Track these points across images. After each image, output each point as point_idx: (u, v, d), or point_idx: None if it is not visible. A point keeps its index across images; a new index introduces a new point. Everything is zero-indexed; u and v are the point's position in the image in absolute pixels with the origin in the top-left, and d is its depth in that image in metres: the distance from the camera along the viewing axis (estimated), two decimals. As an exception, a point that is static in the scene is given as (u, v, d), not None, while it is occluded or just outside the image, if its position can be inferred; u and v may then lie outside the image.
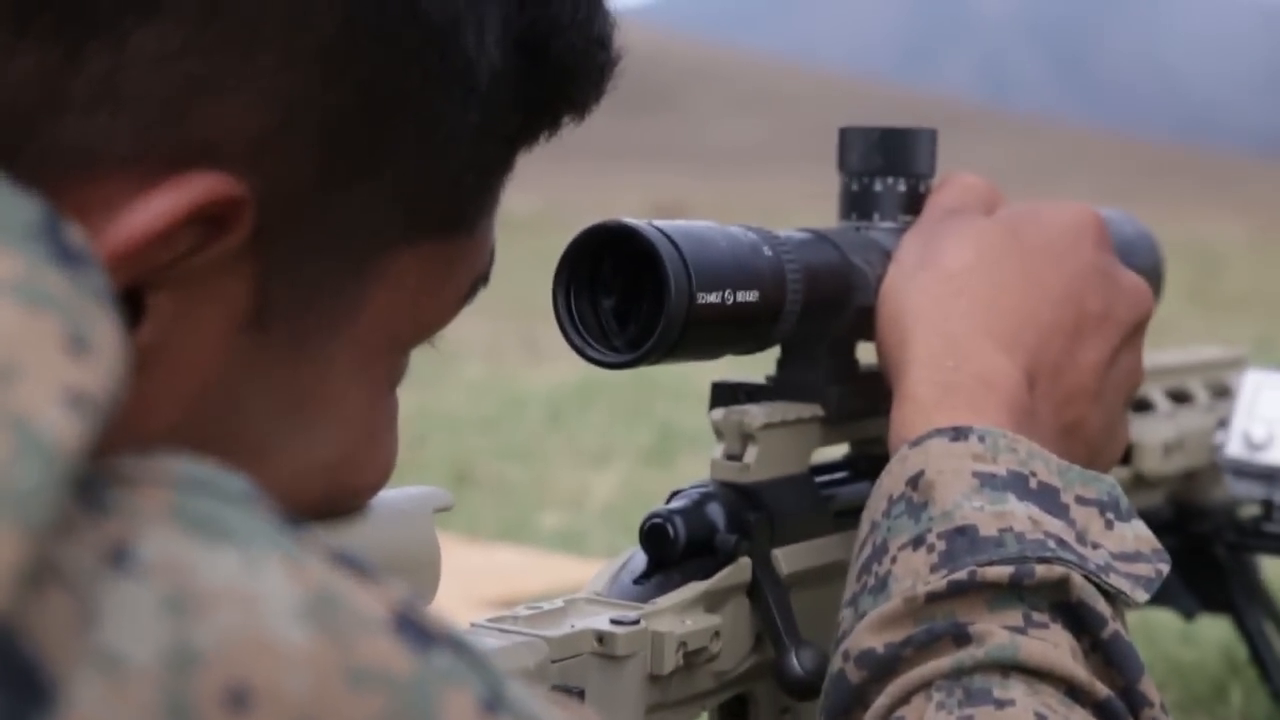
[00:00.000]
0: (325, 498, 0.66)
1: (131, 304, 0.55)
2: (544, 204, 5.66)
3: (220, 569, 0.44)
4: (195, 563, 0.44)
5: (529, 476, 2.58)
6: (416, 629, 0.47)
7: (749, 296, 0.85)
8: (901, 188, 0.98)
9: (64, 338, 0.44)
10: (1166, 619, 1.64)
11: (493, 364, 3.73)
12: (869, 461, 1.01)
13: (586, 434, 2.95)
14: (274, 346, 0.60)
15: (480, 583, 1.82)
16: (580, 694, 0.80)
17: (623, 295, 0.84)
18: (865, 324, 0.95)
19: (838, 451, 1.02)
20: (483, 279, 0.68)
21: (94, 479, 0.45)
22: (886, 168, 0.97)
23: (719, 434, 0.92)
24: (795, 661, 0.87)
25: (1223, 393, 1.35)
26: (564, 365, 3.68)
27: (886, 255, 0.95)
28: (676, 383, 3.43)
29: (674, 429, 2.92)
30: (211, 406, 0.59)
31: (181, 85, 0.54)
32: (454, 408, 3.08)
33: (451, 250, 0.64)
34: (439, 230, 0.63)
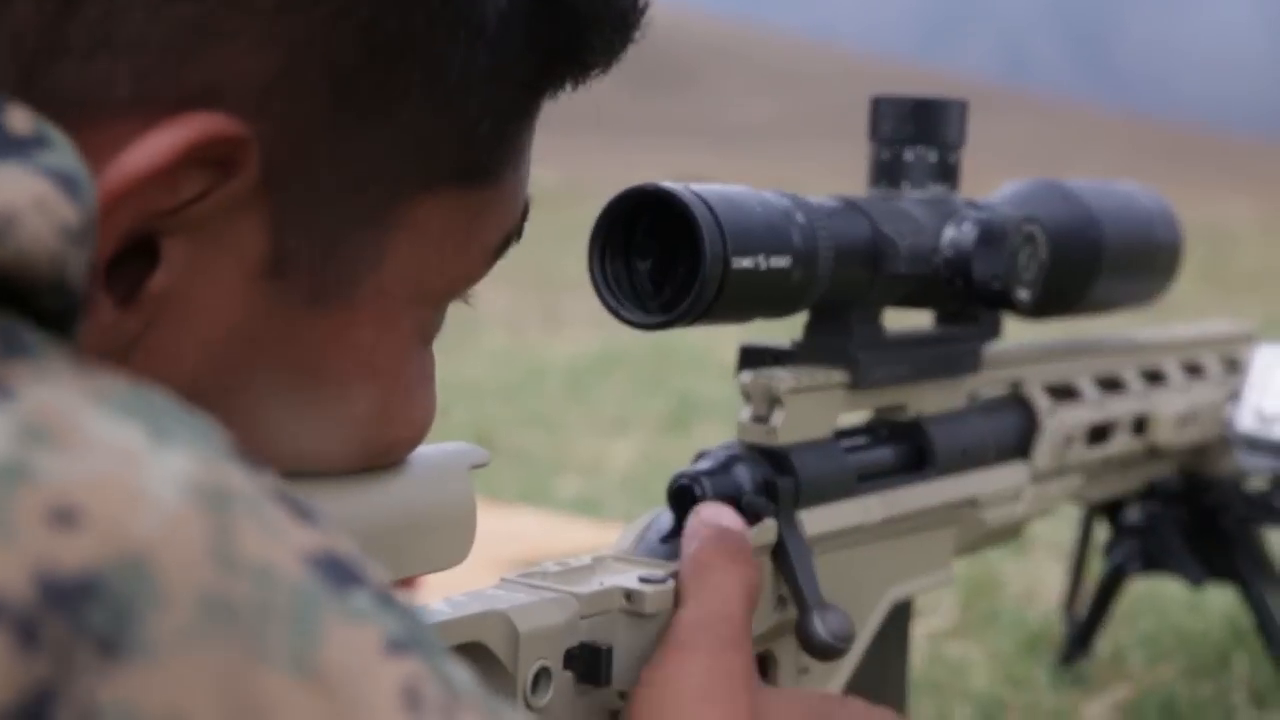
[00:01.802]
0: (361, 451, 0.66)
1: (147, 252, 0.56)
2: (564, 178, 5.66)
3: (114, 432, 0.44)
4: (86, 420, 0.44)
5: (549, 444, 2.60)
6: (340, 568, 0.46)
7: (782, 262, 0.87)
8: (932, 157, 1.00)
9: None
10: (1174, 590, 1.67)
11: (513, 334, 3.75)
12: (890, 428, 1.04)
13: (605, 403, 2.97)
14: (295, 296, 0.60)
15: (499, 545, 1.83)
16: (608, 650, 0.81)
17: (657, 258, 0.86)
18: (893, 291, 0.97)
19: (859, 418, 1.05)
20: (515, 234, 0.68)
21: (19, 331, 0.45)
22: (917, 137, 1.00)
23: (746, 396, 0.94)
24: (818, 623, 0.89)
25: (1234, 367, 1.37)
26: (584, 335, 3.70)
27: (916, 224, 0.98)
28: (694, 353, 3.44)
29: (692, 398, 2.94)
30: (234, 357, 0.59)
31: (178, 30, 0.55)
32: (476, 377, 3.10)
33: (476, 200, 0.64)
34: (459, 179, 0.63)
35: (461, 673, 0.48)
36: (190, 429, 0.46)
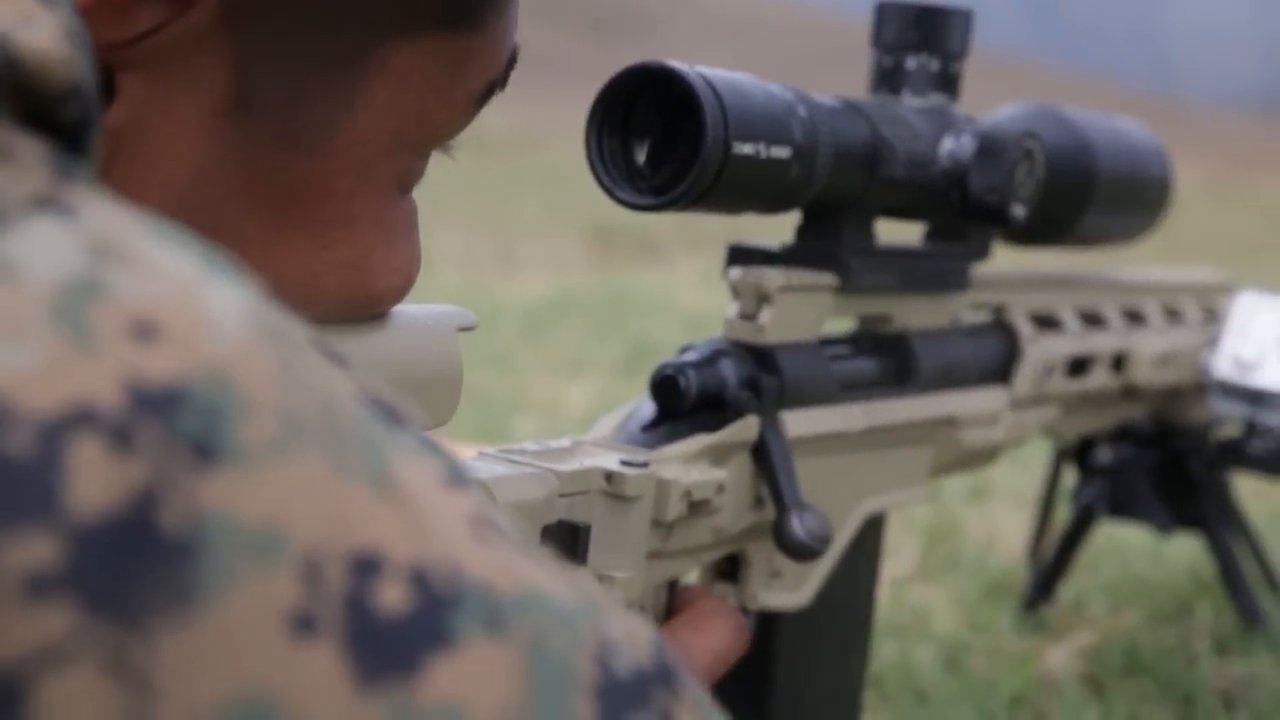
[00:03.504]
0: (343, 299, 0.65)
1: (104, 87, 0.54)
2: (521, 125, 5.64)
3: (173, 257, 0.43)
4: (142, 244, 0.43)
5: (506, 385, 2.58)
6: (386, 409, 0.46)
7: (782, 153, 0.86)
8: (934, 66, 0.98)
9: None
10: (1135, 540, 1.67)
11: (469, 276, 3.73)
12: (875, 339, 1.03)
13: (562, 346, 2.95)
14: (264, 137, 0.59)
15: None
16: (586, 529, 0.80)
17: (656, 139, 0.84)
18: (888, 197, 0.96)
19: (844, 326, 1.04)
20: (499, 82, 0.66)
21: (68, 157, 0.44)
22: (920, 44, 0.98)
23: (735, 293, 0.93)
24: (796, 522, 0.87)
25: (1211, 315, 1.37)
26: (539, 279, 3.68)
27: (915, 131, 0.96)
28: (651, 299, 3.43)
29: (649, 343, 2.92)
30: (202, 197, 0.58)
31: None
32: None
33: (458, 47, 0.63)
34: (441, 24, 0.61)
35: (503, 517, 0.48)
36: (232, 266, 0.45)
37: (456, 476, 0.46)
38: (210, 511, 0.40)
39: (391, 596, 0.42)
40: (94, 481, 0.39)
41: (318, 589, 0.41)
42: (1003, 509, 1.88)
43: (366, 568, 0.42)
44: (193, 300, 0.42)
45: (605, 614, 0.47)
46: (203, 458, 0.40)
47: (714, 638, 0.83)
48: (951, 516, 1.80)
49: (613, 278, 3.87)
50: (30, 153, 0.43)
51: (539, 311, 3.28)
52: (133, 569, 0.39)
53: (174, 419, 0.40)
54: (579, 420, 2.34)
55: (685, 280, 3.86)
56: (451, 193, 3.88)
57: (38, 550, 0.38)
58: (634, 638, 0.47)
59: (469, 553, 0.44)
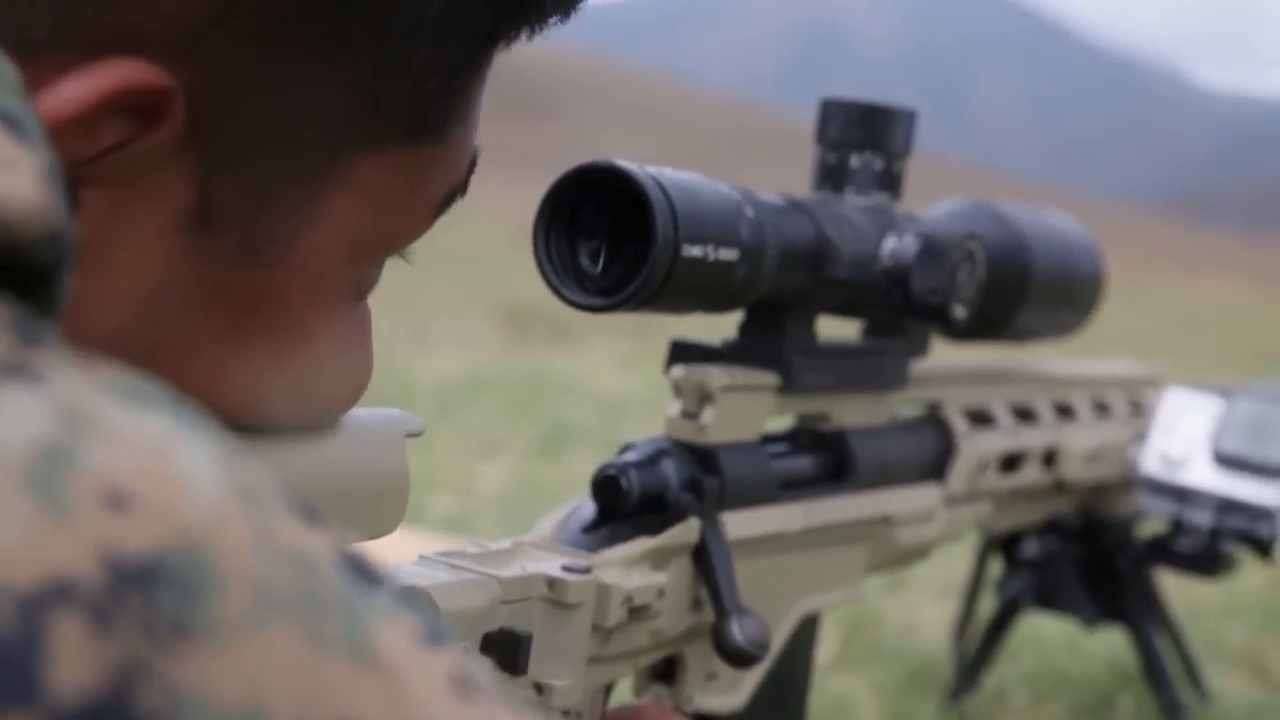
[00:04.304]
0: (295, 410, 0.64)
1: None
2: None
3: (140, 423, 0.42)
4: (112, 411, 0.41)
5: (419, 463, 2.55)
6: (357, 567, 0.45)
7: (730, 255, 0.85)
8: (878, 165, 0.98)
9: None
10: (1053, 631, 1.67)
11: (382, 351, 3.70)
12: (813, 437, 1.02)
13: (475, 425, 2.94)
14: (223, 251, 0.57)
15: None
16: (528, 638, 0.79)
17: (603, 240, 0.83)
18: (830, 296, 0.95)
19: (782, 424, 1.03)
20: (460, 189, 0.65)
21: (33, 320, 0.43)
22: (865, 143, 0.98)
23: (677, 391, 0.92)
24: (736, 628, 0.87)
25: (1138, 409, 1.37)
26: (452, 358, 3.66)
27: (858, 230, 0.96)
28: (564, 380, 3.42)
29: (563, 425, 2.91)
30: (160, 312, 0.57)
31: None
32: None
33: (420, 157, 0.61)
34: (404, 136, 0.60)
35: (483, 668, 0.46)
36: (201, 420, 0.44)
37: (433, 634, 0.45)
38: (187, 693, 0.39)
39: None
40: (74, 662, 0.37)
41: None
42: (921, 598, 1.88)
43: None
44: (165, 465, 0.41)
45: None
46: (178, 635, 0.39)
47: None
48: (871, 606, 1.80)
49: (526, 359, 3.86)
50: None
51: (452, 390, 3.26)
52: None
53: (150, 595, 0.39)
54: (493, 499, 2.33)
55: (599, 363, 3.85)
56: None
57: None
58: None
59: (455, 716, 0.43)
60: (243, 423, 0.62)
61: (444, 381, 3.36)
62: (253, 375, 0.61)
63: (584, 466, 2.80)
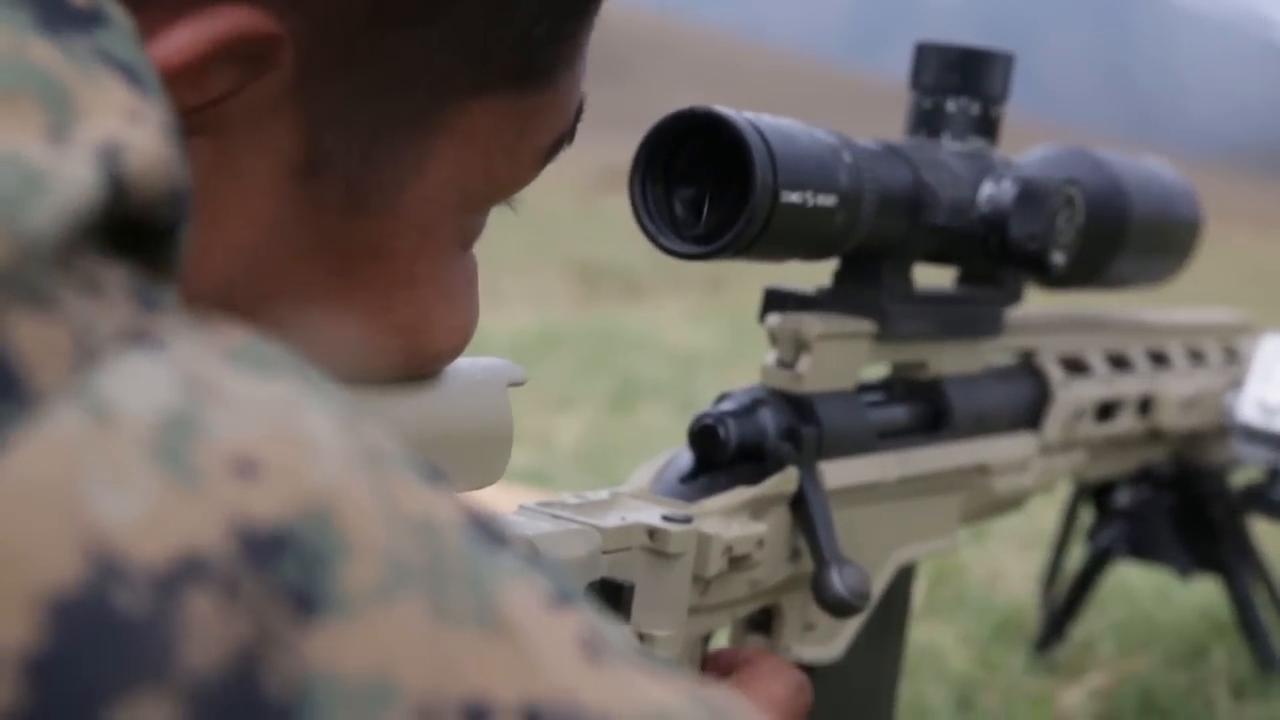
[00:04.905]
0: (402, 360, 0.63)
1: None
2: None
3: (262, 389, 0.41)
4: (235, 378, 0.41)
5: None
6: (484, 528, 0.44)
7: (828, 200, 0.84)
8: (975, 109, 0.97)
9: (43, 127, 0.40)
10: (1142, 581, 1.65)
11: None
12: (909, 386, 1.01)
13: (550, 380, 2.94)
14: (331, 200, 0.57)
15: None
16: (630, 588, 0.78)
17: (700, 187, 0.82)
18: (927, 243, 0.94)
19: (878, 372, 1.02)
20: (568, 136, 0.64)
21: (153, 284, 0.42)
22: (961, 87, 0.97)
23: (773, 339, 0.91)
24: (836, 578, 0.86)
25: (1232, 356, 1.35)
26: (523, 314, 3.67)
27: (955, 176, 0.95)
28: (635, 336, 3.42)
29: (635, 380, 2.91)
30: (268, 262, 0.57)
31: None
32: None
33: (527, 105, 0.61)
34: (511, 83, 0.59)
35: (615, 626, 0.46)
36: (323, 381, 0.43)
37: (562, 594, 0.44)
38: (314, 669, 0.38)
39: None
40: (205, 639, 0.37)
41: None
42: (1003, 549, 1.87)
43: (477, 717, 0.40)
44: (289, 431, 0.40)
45: None
46: (306, 607, 0.38)
47: (777, 696, 0.81)
48: (954, 556, 1.78)
49: (598, 315, 3.86)
50: (116, 283, 0.41)
51: (526, 346, 3.26)
52: None
53: (279, 566, 0.38)
54: (570, 453, 2.33)
55: (669, 318, 3.84)
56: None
57: (152, 715, 0.36)
58: None
59: (584, 680, 0.42)
60: (350, 373, 0.61)
61: (517, 337, 3.36)
62: (359, 325, 0.60)
63: (658, 421, 2.81)
